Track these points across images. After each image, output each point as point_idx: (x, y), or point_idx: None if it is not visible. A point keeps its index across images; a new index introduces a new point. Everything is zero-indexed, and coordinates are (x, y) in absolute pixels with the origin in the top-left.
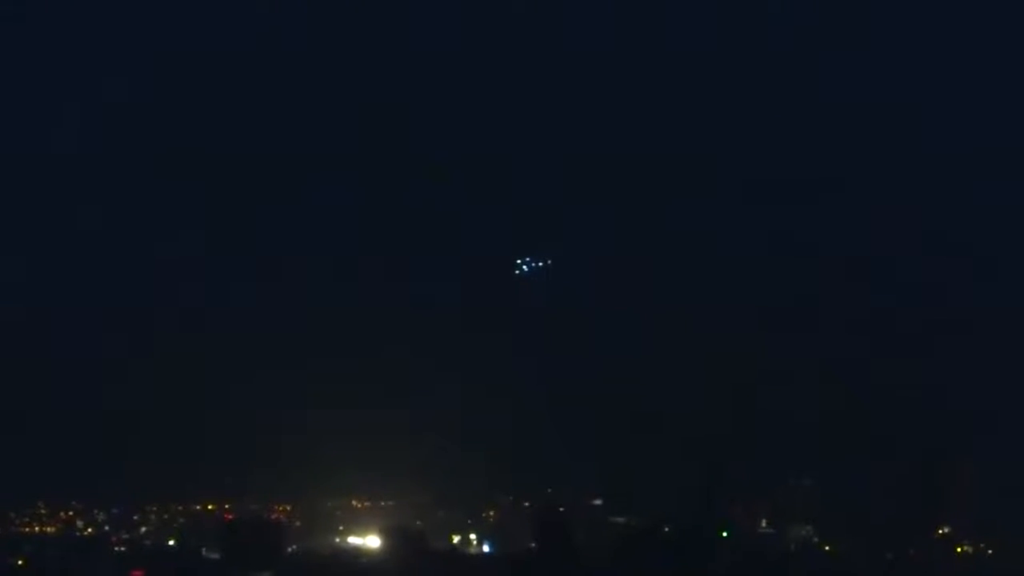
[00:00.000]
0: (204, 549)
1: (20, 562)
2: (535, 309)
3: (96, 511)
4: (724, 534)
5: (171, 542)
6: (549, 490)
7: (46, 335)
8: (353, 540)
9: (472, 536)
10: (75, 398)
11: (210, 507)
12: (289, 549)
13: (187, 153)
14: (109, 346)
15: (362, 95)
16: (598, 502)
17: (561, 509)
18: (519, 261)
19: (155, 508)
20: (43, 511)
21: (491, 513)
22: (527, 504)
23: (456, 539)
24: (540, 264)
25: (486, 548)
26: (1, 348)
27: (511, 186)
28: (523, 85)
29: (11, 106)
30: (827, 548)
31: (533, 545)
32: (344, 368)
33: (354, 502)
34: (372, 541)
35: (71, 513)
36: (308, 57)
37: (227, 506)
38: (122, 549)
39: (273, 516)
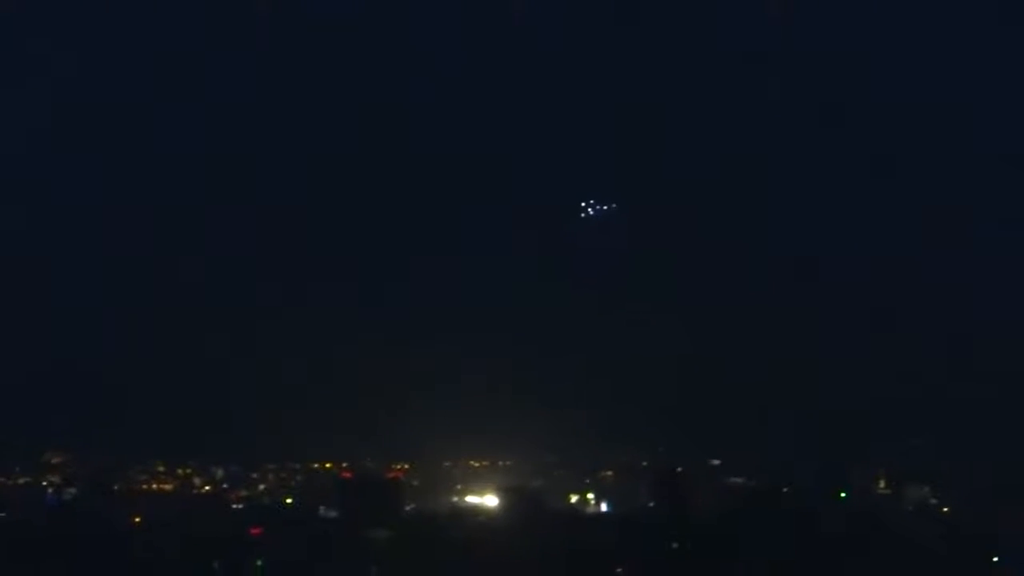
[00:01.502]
0: (322, 507)
1: (137, 519)
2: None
3: (214, 468)
4: (842, 495)
5: (288, 500)
6: (661, 449)
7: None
8: (471, 499)
9: (590, 496)
10: (197, 357)
11: (328, 465)
12: (407, 508)
13: None
14: (229, 309)
15: None
16: (716, 462)
17: (679, 469)
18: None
19: (273, 466)
20: (161, 468)
21: (609, 473)
22: (644, 464)
23: (574, 499)
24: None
25: (604, 507)
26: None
27: None
28: None
29: None
30: (945, 510)
31: (651, 505)
32: (465, 331)
33: (472, 461)
34: (489, 500)
35: (188, 471)
36: None
37: (344, 465)
38: (240, 506)
39: (391, 475)
